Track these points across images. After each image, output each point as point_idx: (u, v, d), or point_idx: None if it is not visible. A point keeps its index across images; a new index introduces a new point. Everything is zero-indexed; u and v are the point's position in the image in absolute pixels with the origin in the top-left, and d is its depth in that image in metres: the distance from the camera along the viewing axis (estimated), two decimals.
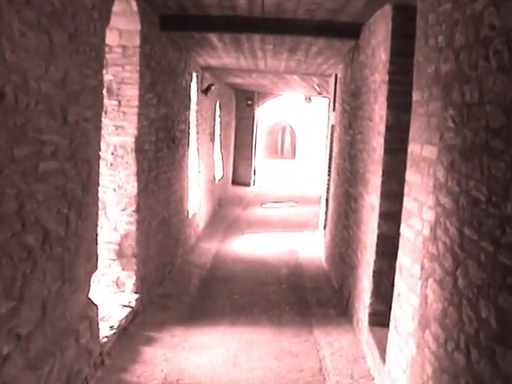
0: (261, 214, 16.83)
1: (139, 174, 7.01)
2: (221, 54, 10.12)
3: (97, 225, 5.45)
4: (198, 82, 12.33)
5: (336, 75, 11.11)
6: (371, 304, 6.17)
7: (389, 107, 5.90)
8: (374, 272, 6.08)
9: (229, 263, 10.69)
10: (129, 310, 6.64)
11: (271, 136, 33.15)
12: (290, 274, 10.12)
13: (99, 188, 6.73)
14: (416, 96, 4.69)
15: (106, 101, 6.69)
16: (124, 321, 6.43)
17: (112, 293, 7.05)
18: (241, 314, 7.76)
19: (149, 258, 7.78)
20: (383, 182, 5.92)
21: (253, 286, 9.22)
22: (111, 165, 6.91)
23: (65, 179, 4.43)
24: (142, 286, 7.32)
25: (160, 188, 8.36)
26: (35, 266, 3.97)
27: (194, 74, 11.73)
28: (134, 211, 6.97)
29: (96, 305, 5.54)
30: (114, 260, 7.06)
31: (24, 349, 3.89)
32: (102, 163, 6.64)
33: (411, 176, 4.66)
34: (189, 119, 11.14)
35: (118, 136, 6.88)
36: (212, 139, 15.61)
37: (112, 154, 6.89)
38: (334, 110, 11.35)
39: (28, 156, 3.76)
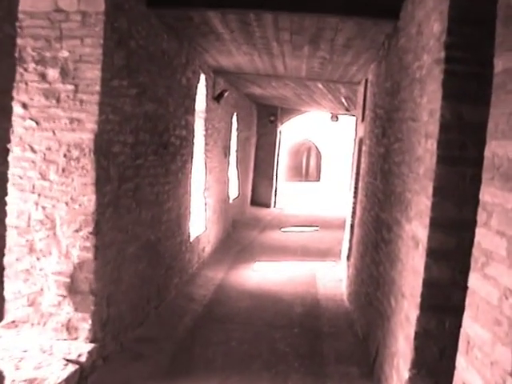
0: (279, 238, 14.85)
1: (101, 184, 5.14)
2: (230, 47, 8.28)
3: (2, 253, 3.56)
4: (207, 87, 10.50)
5: (366, 80, 9.20)
6: (411, 378, 4.17)
7: (445, 97, 3.93)
8: (417, 333, 4.07)
9: (233, 297, 8.73)
10: (75, 368, 4.73)
11: (295, 156, 31.22)
12: (305, 313, 8.12)
13: (45, 200, 4.95)
14: (503, 63, 2.75)
15: (59, 85, 4.92)
16: None
17: (60, 340, 5.16)
18: (235, 371, 5.81)
19: (120, 294, 5.88)
20: (434, 205, 3.94)
21: (257, 328, 7.26)
22: (63, 170, 5.06)
23: None
24: (104, 332, 5.41)
25: (142, 204, 6.48)
26: None
27: (203, 76, 9.90)
28: (91, 233, 5.09)
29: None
30: (64, 297, 5.19)
31: None
32: (51, 168, 4.87)
33: (493, 194, 2.70)
34: (193, 126, 9.29)
35: (72, 132, 5.02)
36: (226, 154, 13.74)
37: (65, 155, 5.04)
38: (362, 120, 9.42)
39: None
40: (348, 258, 9.67)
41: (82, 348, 5.03)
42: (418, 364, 4.12)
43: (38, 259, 5.17)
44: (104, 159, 5.17)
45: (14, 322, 5.26)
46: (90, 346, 5.08)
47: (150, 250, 7.01)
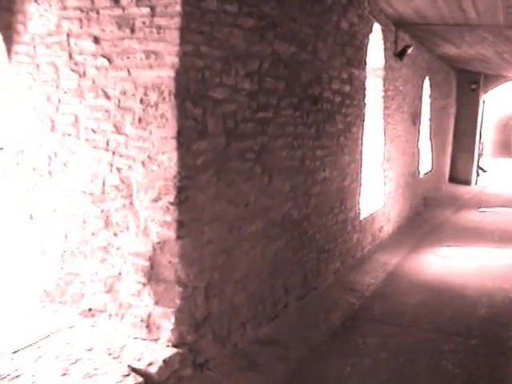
0: (475, 219, 12.41)
1: (188, 139, 3.69)
2: None
3: None
4: (385, 40, 8.66)
5: None
6: None
7: None
8: None
9: (402, 289, 6.90)
10: (135, 381, 3.39)
11: (503, 131, 27.51)
12: (490, 318, 6.00)
13: (121, 160, 3.65)
14: None
15: (133, 10, 3.58)
16: None
17: (139, 339, 3.87)
18: None
19: (232, 283, 4.44)
20: None
21: (422, 335, 5.39)
22: (140, 121, 3.70)
23: None
24: (198, 333, 4.01)
25: (273, 170, 4.97)
26: None
27: (378, 27, 8.11)
28: (172, 204, 3.68)
29: None
30: (144, 285, 3.87)
31: None
32: (126, 118, 3.55)
33: None
34: (363, 83, 7.54)
35: (149, 70, 3.64)
36: (415, 122, 11.68)
37: (141, 101, 3.68)
38: None
39: None
40: None
41: (158, 353, 3.68)
42: None
43: (114, 235, 3.92)
44: (194, 106, 3.72)
45: (90, 309, 4.08)
46: (169, 352, 3.71)
47: (289, 229, 5.50)
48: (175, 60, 3.54)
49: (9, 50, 4.13)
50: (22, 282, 4.35)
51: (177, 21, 3.50)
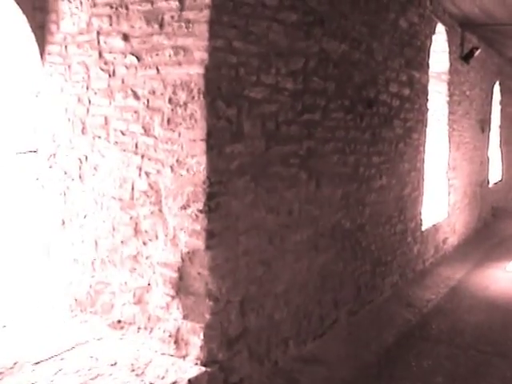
0: None
1: (220, 141, 3.36)
2: None
3: None
4: (450, 42, 8.14)
5: None
6: None
7: None
8: None
9: (464, 306, 6.33)
10: None
11: None
12: None
13: (149, 164, 3.38)
14: None
15: (162, 3, 3.32)
16: None
17: (166, 355, 3.56)
18: None
19: (272, 297, 4.08)
20: None
21: (482, 358, 4.82)
22: (168, 122, 3.41)
23: None
24: (232, 351, 3.67)
25: (321, 177, 4.59)
26: None
27: (442, 28, 7.61)
28: (200, 211, 3.36)
29: None
30: (172, 297, 3.57)
31: None
32: (155, 119, 3.27)
33: None
34: (424, 86, 7.08)
35: (178, 67, 3.34)
36: (483, 129, 11.00)
37: (170, 101, 3.39)
38: None
39: None
40: None
41: (184, 372, 3.35)
42: None
43: (144, 243, 3.64)
44: (227, 105, 3.40)
45: (120, 321, 3.82)
46: (196, 371, 3.38)
47: (340, 240, 5.10)
48: (204, 55, 3.23)
49: (42, 51, 3.95)
50: (54, 290, 4.14)
51: (206, 14, 3.19)
